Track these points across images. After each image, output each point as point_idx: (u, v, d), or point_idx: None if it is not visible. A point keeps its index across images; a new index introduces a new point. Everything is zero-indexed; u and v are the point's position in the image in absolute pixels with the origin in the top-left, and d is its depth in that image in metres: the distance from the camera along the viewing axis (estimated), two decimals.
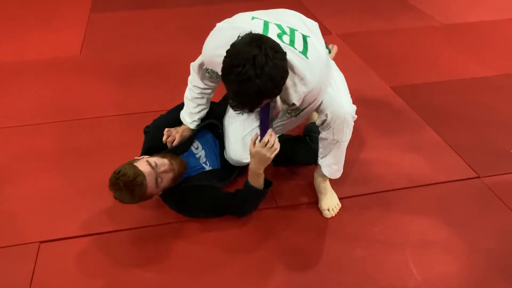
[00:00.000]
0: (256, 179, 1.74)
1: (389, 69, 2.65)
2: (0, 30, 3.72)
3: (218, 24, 1.68)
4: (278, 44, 1.41)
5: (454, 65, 3.10)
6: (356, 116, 1.72)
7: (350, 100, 1.71)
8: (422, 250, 1.74)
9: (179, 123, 1.94)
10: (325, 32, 3.62)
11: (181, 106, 1.98)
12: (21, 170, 2.15)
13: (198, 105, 1.90)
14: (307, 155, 2.01)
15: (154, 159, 1.69)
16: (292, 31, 1.58)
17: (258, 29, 1.53)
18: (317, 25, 1.73)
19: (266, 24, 1.58)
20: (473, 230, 1.82)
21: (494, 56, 3.21)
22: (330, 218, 1.87)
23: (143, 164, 1.65)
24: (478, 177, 2.08)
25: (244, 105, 1.44)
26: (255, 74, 1.32)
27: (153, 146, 1.89)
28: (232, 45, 1.39)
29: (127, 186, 1.59)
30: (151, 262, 1.69)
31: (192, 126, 1.92)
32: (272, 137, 1.61)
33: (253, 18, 1.62)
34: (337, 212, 1.89)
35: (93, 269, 1.66)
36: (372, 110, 2.58)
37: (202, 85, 1.85)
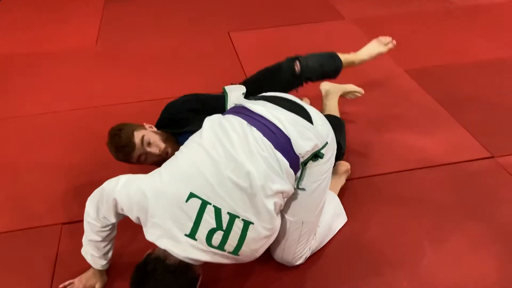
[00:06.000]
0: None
1: (403, 53, 2.65)
2: (16, 23, 3.81)
3: (148, 194, 1.35)
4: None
5: (469, 47, 3.06)
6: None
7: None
8: (437, 231, 1.74)
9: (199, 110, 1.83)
10: (339, 17, 3.61)
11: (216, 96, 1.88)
12: (43, 155, 2.22)
13: (109, 241, 1.55)
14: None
15: (152, 137, 1.74)
16: (232, 219, 1.32)
17: (192, 214, 1.31)
18: (288, 164, 1.39)
19: (202, 207, 1.31)
20: (488, 210, 1.82)
21: (510, 38, 3.16)
22: (344, 199, 1.85)
23: (139, 136, 1.73)
24: (493, 157, 2.08)
25: None
26: None
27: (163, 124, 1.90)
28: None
29: (116, 146, 1.74)
30: None
31: (104, 267, 1.58)
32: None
33: (191, 195, 1.31)
34: (351, 194, 1.90)
35: (115, 248, 1.68)
36: (386, 94, 2.58)
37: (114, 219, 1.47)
